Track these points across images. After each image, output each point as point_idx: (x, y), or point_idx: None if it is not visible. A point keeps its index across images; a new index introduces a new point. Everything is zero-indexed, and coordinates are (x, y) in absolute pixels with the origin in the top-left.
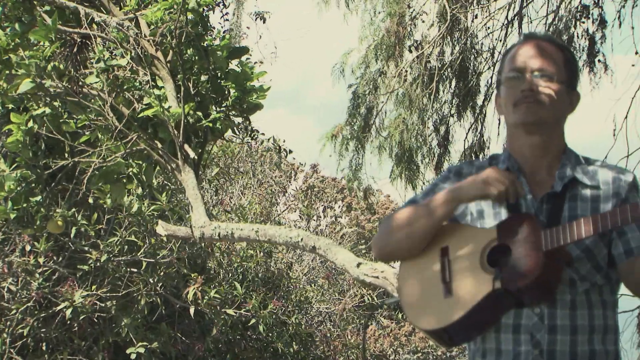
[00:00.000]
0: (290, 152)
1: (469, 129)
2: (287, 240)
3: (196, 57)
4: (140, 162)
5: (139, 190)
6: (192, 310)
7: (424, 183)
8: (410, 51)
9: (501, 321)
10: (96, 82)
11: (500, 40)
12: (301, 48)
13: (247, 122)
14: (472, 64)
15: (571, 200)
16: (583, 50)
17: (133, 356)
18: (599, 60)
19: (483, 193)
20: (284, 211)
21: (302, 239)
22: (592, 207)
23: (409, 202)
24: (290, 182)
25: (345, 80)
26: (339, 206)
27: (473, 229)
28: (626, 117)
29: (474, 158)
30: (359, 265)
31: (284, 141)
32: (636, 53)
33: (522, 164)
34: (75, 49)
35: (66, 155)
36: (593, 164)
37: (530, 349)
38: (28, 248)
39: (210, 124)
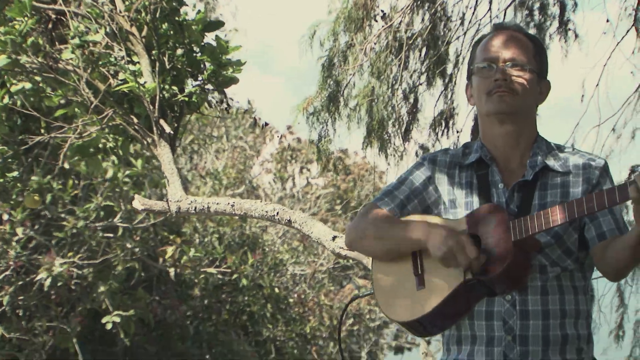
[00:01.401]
0: (267, 124)
1: (438, 97)
2: (263, 214)
3: (171, 32)
4: (117, 137)
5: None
6: (172, 272)
7: (395, 151)
8: (377, 21)
9: (474, 309)
10: (72, 58)
11: (470, 8)
12: (271, 18)
13: (223, 96)
14: (441, 33)
15: (542, 188)
16: (554, 18)
17: (109, 325)
18: (569, 29)
19: (442, 262)
20: (258, 175)
21: (277, 213)
22: (562, 192)
23: (385, 192)
24: (264, 144)
25: (314, 52)
26: (315, 167)
27: (443, 219)
28: (597, 85)
29: (443, 126)
30: (334, 238)
31: (253, 107)
32: (607, 21)
33: (494, 153)
34: (50, 25)
35: (42, 130)
36: (564, 151)
37: (503, 335)
38: (5, 217)
39: (186, 98)
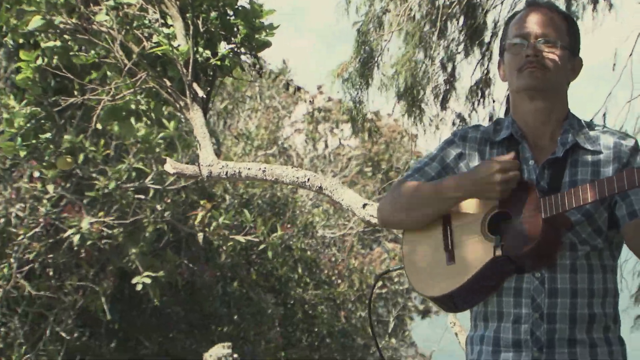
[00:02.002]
0: (300, 88)
1: (476, 66)
2: (294, 180)
3: None
4: (149, 100)
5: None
6: (200, 237)
7: (431, 120)
8: None
9: (503, 285)
10: (106, 20)
11: None
12: None
13: (256, 60)
14: (479, 1)
15: (572, 165)
16: None
17: (139, 286)
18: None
19: (487, 196)
20: (290, 136)
21: (308, 179)
22: (593, 171)
23: (415, 169)
24: (296, 105)
25: (350, 18)
26: (347, 128)
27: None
28: (631, 55)
29: (479, 95)
30: (364, 206)
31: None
32: None
33: (525, 130)
34: None
35: (75, 92)
36: (595, 129)
37: (531, 312)
38: (36, 174)
39: (219, 62)
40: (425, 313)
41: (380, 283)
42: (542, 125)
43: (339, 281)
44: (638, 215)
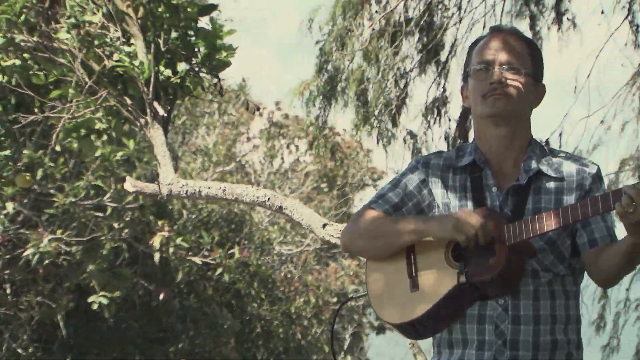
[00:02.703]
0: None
1: (431, 84)
2: (254, 199)
3: (167, 14)
4: (110, 118)
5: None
6: (156, 257)
7: (387, 137)
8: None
9: (466, 312)
10: (67, 38)
11: None
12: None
13: (217, 79)
14: (437, 20)
15: (535, 193)
16: (552, 8)
17: (95, 305)
18: (567, 19)
19: (452, 237)
20: (247, 153)
21: (268, 199)
22: (556, 199)
23: (379, 196)
24: (252, 121)
25: (313, 36)
26: (303, 144)
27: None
28: (589, 76)
29: (435, 114)
30: (324, 226)
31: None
32: (602, 12)
33: (488, 155)
34: (46, 4)
35: (36, 110)
36: (558, 156)
37: (494, 339)
38: None
39: (179, 81)
40: (380, 329)
41: (335, 299)
42: (505, 151)
43: (295, 297)
44: (598, 244)
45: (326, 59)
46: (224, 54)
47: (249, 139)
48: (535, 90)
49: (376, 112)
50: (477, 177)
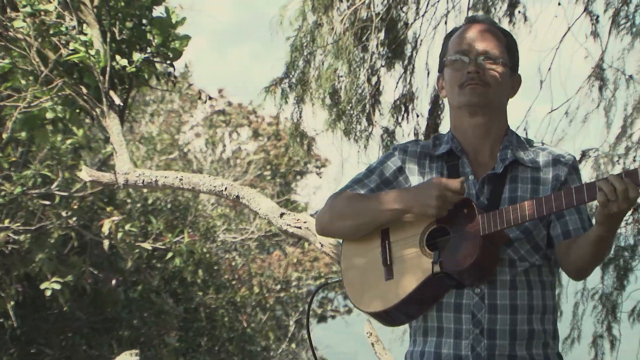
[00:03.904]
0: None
1: (398, 80)
2: (211, 189)
3: (121, 3)
4: (65, 108)
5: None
6: (106, 244)
7: (359, 133)
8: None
9: (443, 301)
10: (22, 27)
11: None
12: None
13: (172, 69)
14: (400, 15)
15: (512, 181)
16: (504, 1)
17: (48, 292)
18: (519, 11)
19: (424, 212)
20: (191, 141)
21: (225, 188)
22: (532, 188)
23: (355, 181)
24: (195, 109)
25: (283, 32)
26: (246, 132)
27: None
28: (549, 69)
29: (403, 110)
30: (282, 215)
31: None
32: (559, 4)
33: (464, 145)
34: None
35: None
36: (534, 146)
37: (471, 328)
38: None
39: (135, 70)
40: (321, 318)
41: (278, 287)
42: (482, 140)
43: (240, 285)
44: (572, 236)
45: (297, 55)
46: (178, 43)
47: (192, 127)
48: (511, 80)
49: (349, 109)
50: (453, 166)
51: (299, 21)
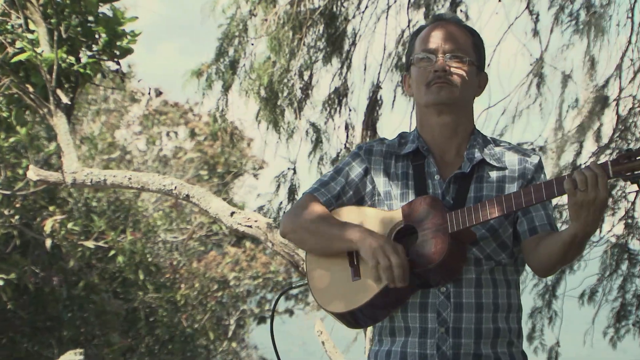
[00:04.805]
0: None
1: (334, 74)
2: (160, 187)
3: (68, 1)
4: (11, 106)
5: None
6: (48, 243)
7: (288, 126)
8: None
9: (408, 300)
10: None
11: None
12: None
13: (118, 67)
14: (341, 10)
15: (478, 181)
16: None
17: None
18: (460, 10)
19: (368, 260)
20: (132, 142)
21: (175, 187)
22: (498, 187)
23: (322, 183)
24: (131, 105)
25: (215, 19)
26: (183, 131)
27: (379, 211)
28: (488, 65)
29: (335, 103)
30: (232, 214)
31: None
32: (499, 1)
33: (431, 144)
34: None
35: None
36: (500, 145)
37: (437, 327)
38: None
39: (82, 69)
40: (260, 319)
41: (216, 286)
42: (448, 139)
43: (181, 285)
44: (538, 231)
45: (228, 42)
46: (126, 40)
47: (129, 125)
48: (477, 79)
49: (279, 102)
50: (419, 165)
51: (232, 9)
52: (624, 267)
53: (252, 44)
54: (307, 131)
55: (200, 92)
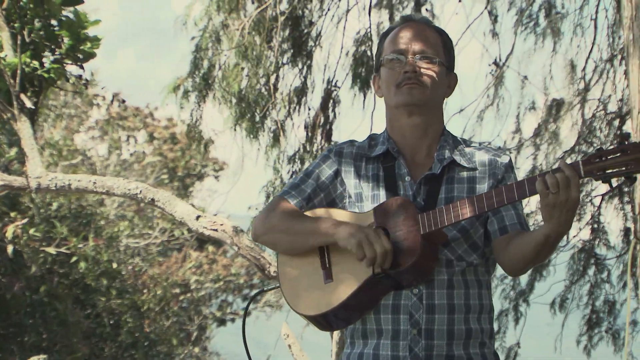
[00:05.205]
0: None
1: (298, 75)
2: (126, 192)
3: (31, 5)
4: None
5: None
6: (9, 249)
7: (264, 130)
8: (253, 2)
9: (381, 303)
10: None
11: None
12: None
13: (82, 71)
14: (305, 13)
15: (448, 182)
16: None
17: None
18: (426, 9)
19: (354, 252)
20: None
21: (140, 191)
22: (469, 187)
23: (292, 186)
24: (91, 110)
25: (188, 32)
26: (142, 136)
27: (351, 213)
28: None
29: (295, 102)
30: (198, 217)
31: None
32: (459, 1)
33: (401, 145)
34: None
35: None
36: (470, 146)
37: (409, 328)
38: None
39: (46, 74)
40: (220, 322)
41: (177, 290)
42: (419, 140)
43: (144, 290)
44: (508, 231)
45: (202, 55)
46: (89, 44)
47: (88, 129)
48: (447, 80)
49: (251, 107)
50: (390, 167)
51: (205, 21)
52: (591, 272)
53: (226, 56)
54: (274, 131)
55: (178, 105)
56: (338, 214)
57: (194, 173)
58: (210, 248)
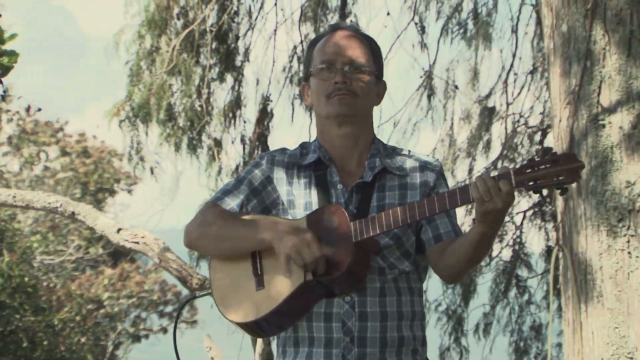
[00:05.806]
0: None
1: (229, 90)
2: (45, 205)
3: None
4: None
5: None
6: None
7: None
8: (179, 19)
9: (313, 310)
10: None
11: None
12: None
13: (1, 85)
14: (232, 27)
15: (380, 190)
16: (335, 10)
17: None
18: (351, 21)
19: (286, 260)
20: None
21: (60, 205)
22: (400, 195)
23: (224, 192)
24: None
25: (120, 58)
26: (53, 151)
27: (284, 220)
28: None
29: (231, 116)
30: (119, 230)
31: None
32: (387, 14)
33: (332, 154)
34: None
35: None
36: (401, 154)
37: (342, 336)
38: None
39: None
40: (135, 338)
41: (90, 305)
42: (349, 150)
43: (58, 308)
44: (443, 239)
45: (138, 78)
46: (6, 59)
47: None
48: (376, 88)
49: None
50: (321, 175)
51: (136, 45)
52: (512, 294)
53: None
54: (209, 146)
55: (120, 131)
56: (272, 221)
57: (106, 187)
58: (126, 265)
